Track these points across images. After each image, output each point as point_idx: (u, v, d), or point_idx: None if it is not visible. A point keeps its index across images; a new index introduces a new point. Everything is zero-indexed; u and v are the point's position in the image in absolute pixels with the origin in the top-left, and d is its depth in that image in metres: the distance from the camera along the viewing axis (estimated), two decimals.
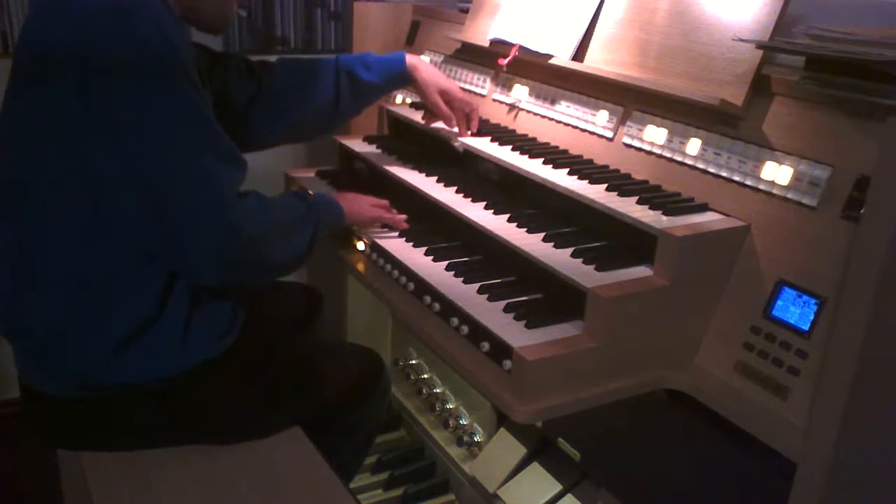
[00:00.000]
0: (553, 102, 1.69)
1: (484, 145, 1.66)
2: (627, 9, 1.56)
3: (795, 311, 1.15)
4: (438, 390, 2.20)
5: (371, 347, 1.70)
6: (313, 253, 1.40)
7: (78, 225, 1.19)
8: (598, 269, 1.26)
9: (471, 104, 1.73)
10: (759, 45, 1.26)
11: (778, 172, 1.22)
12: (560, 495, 1.76)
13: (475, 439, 2.03)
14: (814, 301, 1.14)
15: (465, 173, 1.71)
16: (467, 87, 1.95)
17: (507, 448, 1.89)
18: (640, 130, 1.47)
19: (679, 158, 1.40)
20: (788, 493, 1.10)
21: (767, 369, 1.17)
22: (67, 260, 1.21)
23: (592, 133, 1.59)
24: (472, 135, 1.73)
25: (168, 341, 1.27)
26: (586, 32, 1.62)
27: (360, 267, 1.58)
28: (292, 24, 2.50)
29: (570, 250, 1.32)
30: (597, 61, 1.60)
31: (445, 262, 1.45)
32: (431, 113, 1.76)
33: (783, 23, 1.28)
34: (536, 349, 1.15)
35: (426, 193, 1.59)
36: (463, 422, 2.10)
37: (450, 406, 2.15)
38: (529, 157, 1.57)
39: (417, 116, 1.87)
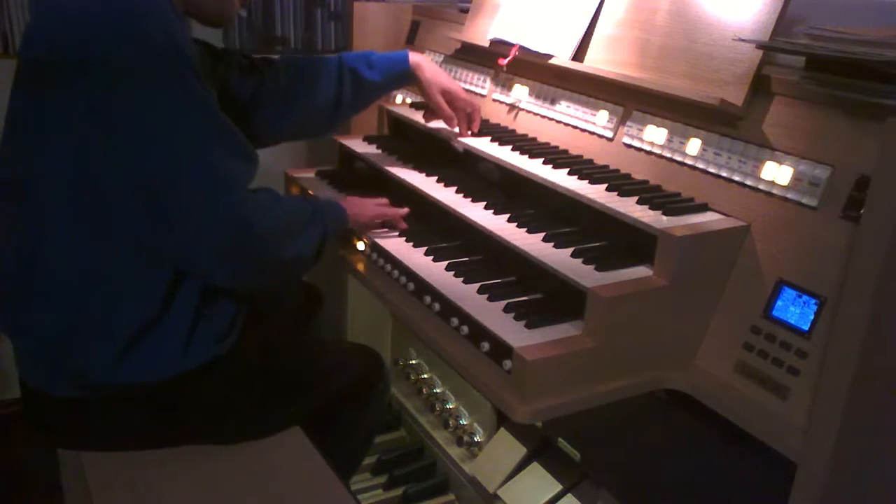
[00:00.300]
0: (553, 102, 1.69)
1: (484, 145, 1.66)
2: (627, 9, 1.56)
3: (795, 311, 1.15)
4: (438, 390, 2.20)
5: (371, 347, 1.70)
6: (323, 256, 1.40)
7: (83, 226, 1.19)
8: (597, 269, 1.26)
9: (473, 105, 1.73)
10: (760, 45, 1.26)
11: (778, 172, 1.22)
12: (560, 495, 1.76)
13: (475, 439, 2.03)
14: (814, 301, 1.14)
15: (465, 173, 1.71)
16: (467, 87, 1.95)
17: (507, 448, 1.89)
18: (640, 130, 1.47)
19: (679, 158, 1.40)
20: (788, 493, 1.10)
21: (767, 369, 1.17)
22: (72, 261, 1.21)
23: (592, 133, 1.59)
24: (473, 135, 1.73)
25: (171, 343, 1.27)
26: (586, 32, 1.62)
27: (360, 267, 1.58)
28: (292, 24, 2.50)
29: (570, 250, 1.32)
30: (597, 61, 1.60)
31: (445, 262, 1.45)
32: (432, 111, 1.76)
33: (783, 23, 1.28)
34: (536, 349, 1.15)
35: (426, 193, 1.59)
36: (463, 422, 2.10)
37: (450, 406, 2.15)
38: (529, 157, 1.57)
39: (417, 116, 1.87)
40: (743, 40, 1.28)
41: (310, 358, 1.57)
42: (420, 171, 1.71)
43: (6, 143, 1.24)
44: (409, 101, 2.09)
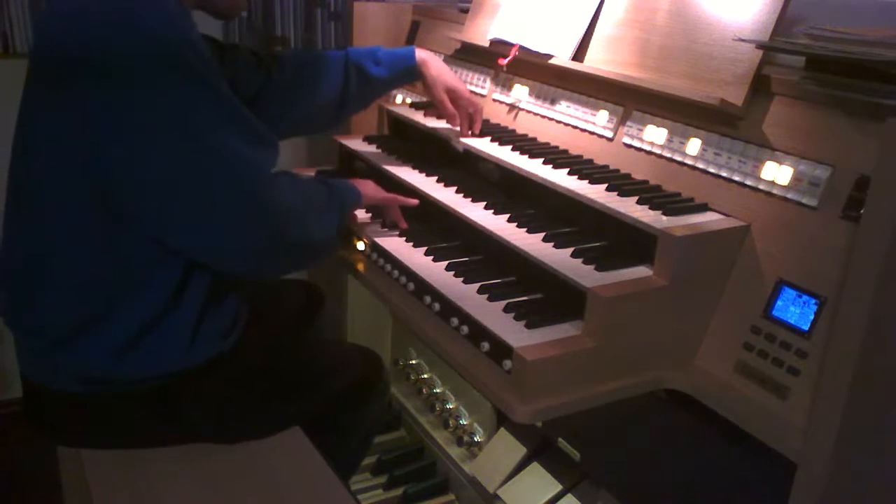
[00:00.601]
0: (553, 102, 1.70)
1: (484, 145, 1.66)
2: (627, 9, 1.56)
3: (795, 310, 1.15)
4: (438, 390, 2.20)
5: (371, 347, 1.70)
6: (341, 237, 1.40)
7: (93, 225, 1.19)
8: (597, 269, 1.26)
9: (476, 105, 1.73)
10: (760, 45, 1.26)
11: (778, 172, 1.22)
12: (560, 495, 1.76)
13: (475, 439, 2.03)
14: (814, 301, 1.14)
15: (465, 173, 1.71)
16: (467, 87, 1.95)
17: (507, 448, 1.89)
18: (640, 130, 1.47)
19: (679, 158, 1.40)
20: (788, 493, 1.10)
21: (767, 369, 1.17)
22: (81, 259, 1.21)
23: (592, 133, 1.59)
24: (474, 136, 1.73)
25: (176, 340, 1.27)
26: (586, 32, 1.62)
27: (360, 267, 1.58)
28: (292, 24, 2.50)
29: (570, 250, 1.32)
30: (597, 61, 1.60)
31: (445, 262, 1.45)
32: (433, 108, 1.76)
33: (783, 23, 1.28)
34: (536, 349, 1.15)
35: (426, 193, 1.59)
36: (463, 422, 2.10)
37: (450, 406, 2.15)
38: (529, 157, 1.57)
39: (417, 116, 1.87)
40: (743, 40, 1.28)
41: (310, 358, 1.57)
42: (420, 171, 1.71)
43: (17, 142, 1.24)
44: (409, 101, 2.09)
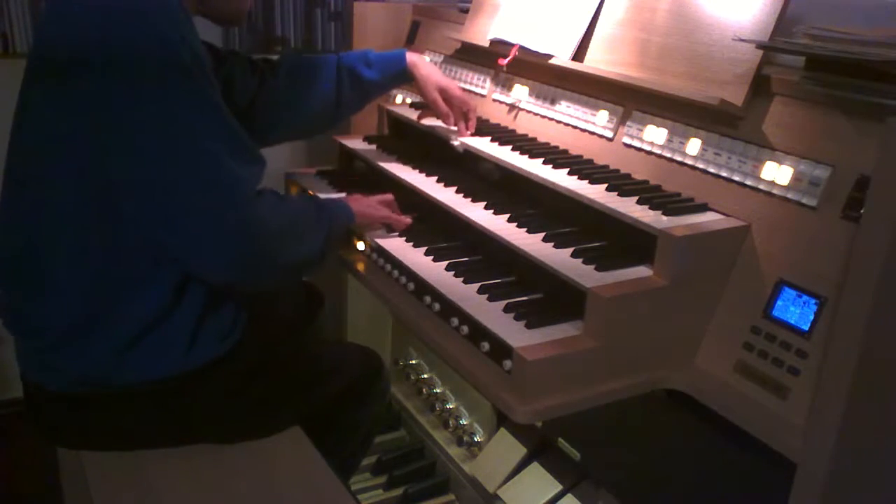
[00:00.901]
0: (553, 102, 1.70)
1: (484, 145, 1.66)
2: (627, 9, 1.56)
3: (795, 311, 1.15)
4: (438, 390, 2.20)
5: (371, 347, 1.70)
6: (328, 256, 1.40)
7: (90, 225, 1.19)
8: (597, 269, 1.25)
9: (468, 104, 1.74)
10: (759, 45, 1.26)
11: (778, 172, 1.22)
12: (560, 495, 1.76)
13: (475, 439, 2.03)
14: (814, 301, 1.14)
15: (465, 173, 1.71)
16: (467, 87, 1.95)
17: (507, 448, 1.89)
18: (640, 130, 1.47)
19: (679, 158, 1.40)
20: (788, 493, 1.10)
21: (767, 369, 1.17)
22: (80, 260, 1.21)
23: (592, 133, 1.59)
24: (471, 134, 1.73)
25: (175, 342, 1.27)
26: (586, 32, 1.62)
27: (360, 267, 1.58)
28: (292, 24, 2.50)
29: (570, 250, 1.32)
30: (597, 61, 1.60)
31: (445, 262, 1.45)
32: (428, 109, 1.77)
33: (783, 23, 1.28)
34: (536, 349, 1.15)
35: (426, 193, 1.59)
36: (463, 422, 2.10)
37: (450, 406, 2.15)
38: (529, 157, 1.57)
39: (417, 116, 1.87)
40: (743, 40, 1.28)
41: (310, 358, 1.57)
42: (420, 171, 1.72)
43: (14, 141, 1.24)
44: (409, 100, 2.09)
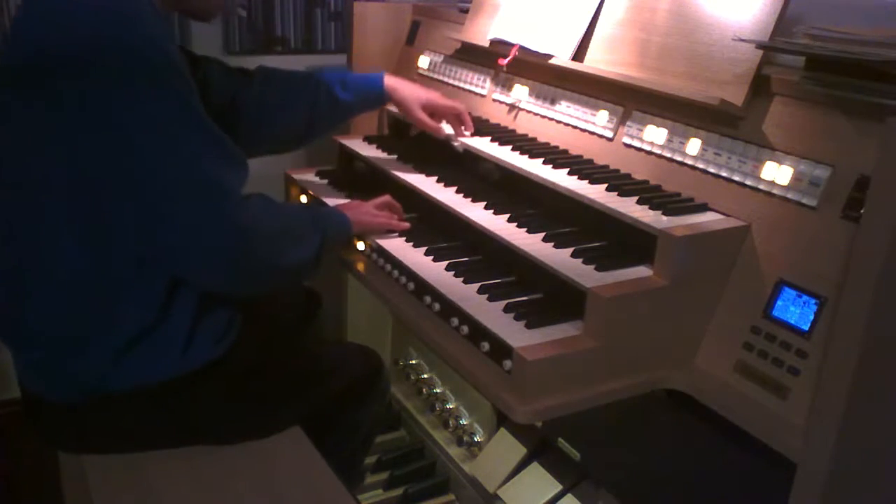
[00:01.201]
0: (553, 102, 1.69)
1: (484, 145, 1.66)
2: (627, 9, 1.56)
3: (795, 311, 1.15)
4: (438, 390, 2.20)
5: (371, 347, 1.70)
6: (322, 264, 1.39)
7: (78, 232, 1.18)
8: (597, 269, 1.26)
9: (456, 108, 1.73)
10: (759, 45, 1.26)
11: (778, 172, 1.22)
12: (560, 495, 1.76)
13: (475, 439, 2.03)
14: (814, 301, 1.14)
15: (465, 173, 1.71)
16: (467, 87, 1.95)
17: (507, 448, 1.89)
18: (640, 130, 1.47)
19: (679, 158, 1.40)
20: (788, 493, 1.10)
21: (767, 369, 1.17)
22: (70, 267, 1.20)
23: (592, 133, 1.59)
24: (471, 134, 1.73)
25: (170, 346, 1.27)
26: (586, 32, 1.62)
27: (360, 267, 1.58)
28: (292, 24, 2.50)
29: (570, 250, 1.32)
30: (597, 61, 1.60)
31: (445, 262, 1.45)
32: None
33: (783, 23, 1.28)
34: (536, 349, 1.15)
35: (426, 193, 1.59)
36: (463, 422, 2.10)
37: (450, 406, 2.15)
38: (529, 157, 1.57)
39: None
40: (743, 40, 1.28)
41: (310, 358, 1.57)
42: (420, 171, 1.71)
43: None
44: None
